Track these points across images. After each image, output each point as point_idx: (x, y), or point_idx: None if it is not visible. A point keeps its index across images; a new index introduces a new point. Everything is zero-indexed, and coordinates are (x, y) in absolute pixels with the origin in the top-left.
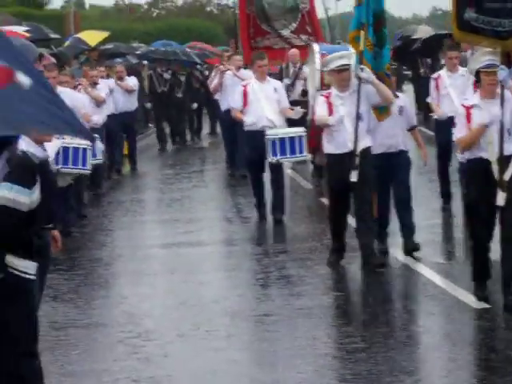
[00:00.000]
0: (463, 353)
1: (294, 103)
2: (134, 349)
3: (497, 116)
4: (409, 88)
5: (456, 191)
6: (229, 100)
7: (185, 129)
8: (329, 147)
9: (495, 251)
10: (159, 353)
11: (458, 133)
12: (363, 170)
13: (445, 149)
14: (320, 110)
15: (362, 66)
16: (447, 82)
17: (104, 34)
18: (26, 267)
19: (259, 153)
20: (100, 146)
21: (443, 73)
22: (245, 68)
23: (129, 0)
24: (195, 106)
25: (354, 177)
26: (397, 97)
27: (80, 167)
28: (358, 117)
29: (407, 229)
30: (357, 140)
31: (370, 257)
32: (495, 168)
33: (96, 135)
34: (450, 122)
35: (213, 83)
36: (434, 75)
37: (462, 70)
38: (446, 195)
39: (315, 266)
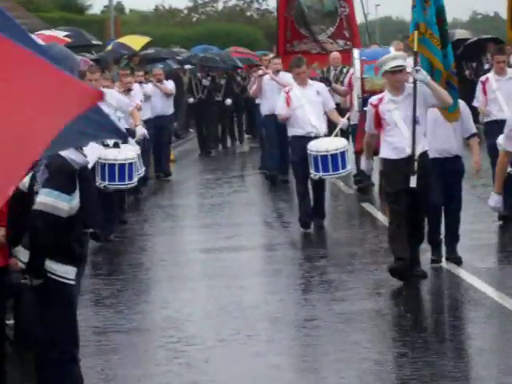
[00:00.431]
0: (506, 359)
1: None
2: (175, 354)
3: None
4: None
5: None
6: (269, 105)
7: (225, 133)
8: (385, 152)
9: None
10: (200, 358)
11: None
12: (422, 176)
13: (496, 154)
14: (366, 125)
15: (417, 68)
16: (495, 86)
17: (146, 39)
18: (66, 272)
19: (305, 158)
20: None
21: (491, 76)
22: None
23: (169, 5)
24: (229, 101)
25: (413, 182)
26: None
27: (126, 183)
28: (415, 120)
29: (451, 238)
30: (414, 144)
31: (414, 268)
32: None
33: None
34: (499, 127)
35: (252, 88)
36: (482, 78)
37: (510, 73)
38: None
39: (356, 271)
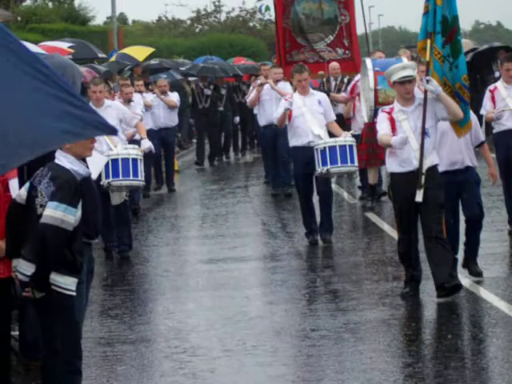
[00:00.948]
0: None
1: (337, 117)
2: (180, 364)
3: None
4: None
5: None
6: (266, 116)
7: (228, 143)
8: (392, 165)
9: None
10: (205, 368)
11: None
12: (430, 190)
13: (506, 165)
14: (382, 128)
15: (427, 78)
16: (504, 94)
17: (150, 50)
18: (67, 284)
19: (306, 169)
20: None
21: (500, 84)
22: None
23: (172, 16)
24: (237, 119)
25: (419, 197)
26: None
27: (131, 178)
28: (424, 132)
29: (472, 244)
30: (422, 157)
31: (444, 283)
32: None
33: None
34: (508, 137)
35: (250, 97)
36: (490, 87)
37: None
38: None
39: (361, 281)
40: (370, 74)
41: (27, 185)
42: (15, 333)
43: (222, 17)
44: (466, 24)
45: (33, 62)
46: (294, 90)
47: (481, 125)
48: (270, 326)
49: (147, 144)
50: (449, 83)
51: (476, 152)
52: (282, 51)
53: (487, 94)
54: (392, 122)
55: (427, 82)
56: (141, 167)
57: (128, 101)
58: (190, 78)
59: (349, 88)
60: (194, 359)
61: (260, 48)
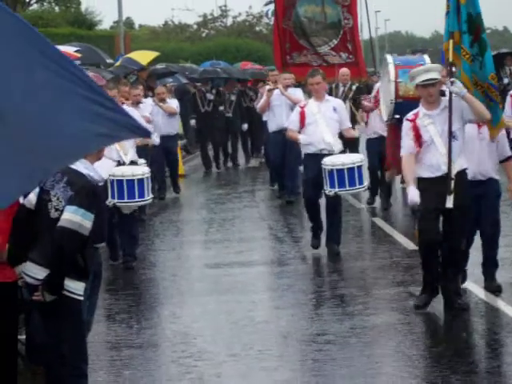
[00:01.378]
0: None
1: None
2: (187, 369)
3: None
4: None
5: None
6: (276, 122)
7: (236, 149)
8: (420, 170)
9: None
10: (212, 373)
11: None
12: (460, 195)
13: None
14: (405, 146)
15: (452, 79)
16: None
17: (154, 54)
18: (77, 289)
19: (316, 177)
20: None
21: None
22: (296, 86)
23: (178, 20)
24: (246, 127)
25: (449, 203)
26: None
27: (137, 200)
28: (452, 136)
29: (490, 266)
30: (451, 161)
31: (453, 299)
32: None
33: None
34: None
35: (260, 103)
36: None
37: None
38: None
39: (367, 286)
40: (391, 67)
41: (37, 190)
42: (22, 337)
43: (229, 21)
44: None
45: (67, 65)
46: (309, 95)
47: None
48: (277, 331)
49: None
50: (480, 83)
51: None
52: (283, 52)
53: (508, 99)
54: (416, 131)
55: (451, 83)
56: (147, 185)
57: (137, 103)
58: (198, 84)
59: (373, 94)
60: (201, 363)
61: (266, 53)
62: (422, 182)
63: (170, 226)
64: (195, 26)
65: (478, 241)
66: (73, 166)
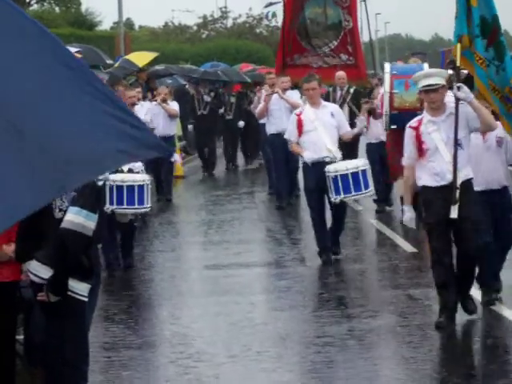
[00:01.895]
0: None
1: None
2: (185, 369)
3: None
4: None
5: None
6: (276, 124)
7: (235, 152)
8: (423, 179)
9: None
10: (210, 374)
11: None
12: (464, 205)
13: None
14: (406, 153)
15: (458, 84)
16: None
17: (153, 55)
18: (81, 289)
19: (319, 185)
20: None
21: None
22: (293, 88)
23: (178, 21)
24: (241, 124)
25: (453, 213)
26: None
27: (136, 206)
28: (457, 143)
29: (495, 278)
30: (456, 170)
31: (466, 303)
32: None
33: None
34: None
35: (258, 108)
36: None
37: None
38: None
39: (366, 288)
40: (387, 77)
41: None
42: (20, 337)
43: (229, 23)
44: None
45: (91, 79)
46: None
47: None
48: (275, 332)
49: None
50: (498, 88)
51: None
52: (284, 53)
53: None
54: (418, 139)
55: (458, 88)
56: (147, 192)
57: (132, 104)
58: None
59: (379, 98)
60: (199, 365)
61: (266, 54)
62: (426, 191)
63: (168, 227)
64: (195, 28)
65: None
66: None
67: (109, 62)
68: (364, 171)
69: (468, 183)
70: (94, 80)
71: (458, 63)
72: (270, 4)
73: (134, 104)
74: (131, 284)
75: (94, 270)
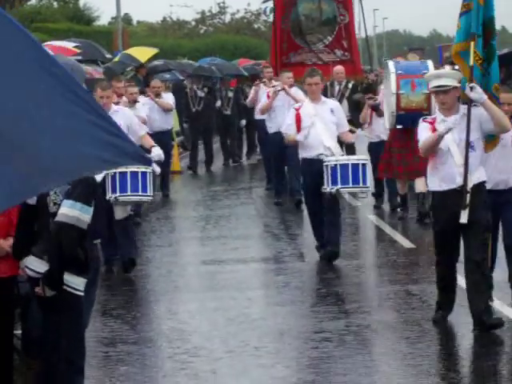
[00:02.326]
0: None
1: None
2: (182, 365)
3: None
4: None
5: None
6: (278, 122)
7: (234, 147)
8: (433, 182)
9: None
10: (208, 369)
11: None
12: (475, 210)
13: None
14: (423, 136)
15: (471, 85)
16: None
17: (154, 51)
18: (77, 284)
19: (317, 183)
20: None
21: None
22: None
23: (177, 16)
24: (244, 123)
25: (463, 218)
26: None
27: (140, 194)
28: (469, 146)
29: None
30: (467, 173)
31: (482, 316)
32: None
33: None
34: None
35: (262, 104)
36: None
37: None
38: None
39: (363, 284)
40: (392, 77)
41: None
42: (18, 332)
43: (227, 18)
44: None
45: (73, 86)
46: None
47: None
48: (273, 328)
49: (158, 152)
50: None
51: None
52: (279, 52)
53: None
54: (434, 132)
55: (471, 89)
56: (150, 181)
57: (133, 101)
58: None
59: (380, 95)
60: (197, 360)
61: (264, 50)
62: (435, 196)
63: (166, 223)
64: (193, 23)
65: None
66: None
67: (108, 56)
68: (364, 165)
69: (480, 186)
70: (75, 87)
71: (471, 62)
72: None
73: (135, 101)
74: (129, 279)
75: (89, 264)
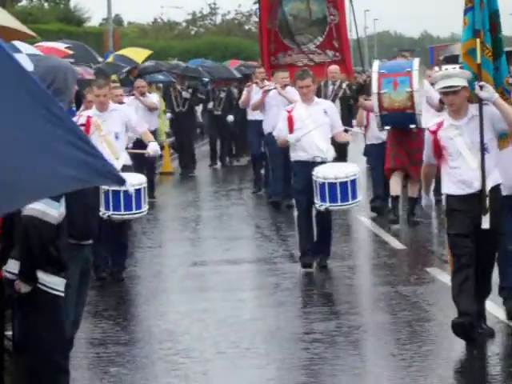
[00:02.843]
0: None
1: None
2: (173, 366)
3: None
4: None
5: None
6: (273, 122)
7: (225, 148)
8: (449, 187)
9: None
10: (198, 370)
11: None
12: (493, 215)
13: None
14: (426, 156)
15: (481, 83)
16: None
17: (148, 52)
18: (54, 283)
19: (309, 186)
20: (131, 189)
21: None
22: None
23: (167, 18)
24: (231, 118)
25: (485, 223)
26: None
27: (134, 212)
28: (484, 148)
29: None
30: (485, 177)
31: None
32: None
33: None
34: None
35: (254, 100)
36: None
37: None
38: None
39: (354, 285)
40: (374, 76)
41: None
42: (9, 333)
43: (218, 19)
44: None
45: (46, 102)
46: None
47: None
48: (264, 329)
49: (155, 148)
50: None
51: None
52: (266, 53)
53: None
54: (436, 144)
55: (481, 88)
56: (144, 196)
57: (119, 103)
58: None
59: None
60: (187, 361)
61: (255, 51)
62: (450, 200)
63: (157, 224)
64: (184, 24)
65: None
66: None
67: (100, 60)
68: (353, 181)
69: (496, 189)
70: (49, 103)
71: (478, 60)
72: (258, 1)
73: (120, 102)
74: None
75: (65, 263)
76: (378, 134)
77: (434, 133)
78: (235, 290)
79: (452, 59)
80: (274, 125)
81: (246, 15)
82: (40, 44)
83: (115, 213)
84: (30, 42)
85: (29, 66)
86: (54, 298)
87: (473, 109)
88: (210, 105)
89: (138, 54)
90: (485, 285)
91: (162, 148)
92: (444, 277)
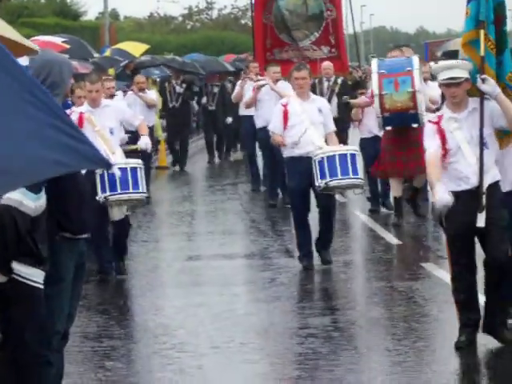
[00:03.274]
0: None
1: None
2: (168, 360)
3: None
4: None
5: None
6: (265, 117)
7: (221, 143)
8: (446, 184)
9: None
10: (193, 364)
11: None
12: (492, 210)
13: None
14: (430, 147)
15: (483, 76)
16: None
17: (145, 46)
18: (32, 275)
19: (305, 183)
20: (118, 173)
21: None
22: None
23: (164, 12)
24: (229, 120)
25: (480, 221)
26: None
27: (131, 191)
28: (483, 143)
29: None
30: (482, 173)
31: (497, 330)
32: None
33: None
34: None
35: (246, 97)
36: None
37: None
38: None
39: (350, 280)
40: (374, 77)
41: None
42: None
43: (214, 14)
44: (458, 26)
45: (32, 87)
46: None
47: None
48: (258, 324)
49: (145, 140)
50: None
51: None
52: (262, 49)
53: None
54: (442, 134)
55: (483, 81)
56: (141, 176)
57: (110, 96)
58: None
59: (369, 91)
60: (182, 355)
61: (251, 45)
62: None
63: (152, 218)
64: (180, 18)
65: None
66: None
67: (96, 55)
68: (353, 155)
69: (495, 186)
70: (35, 89)
71: (482, 52)
72: None
73: (112, 95)
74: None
75: (42, 255)
76: (371, 128)
77: (438, 123)
78: (230, 285)
79: (451, 55)
80: (267, 119)
81: (243, 10)
82: (36, 38)
83: (112, 193)
84: (27, 35)
85: (24, 59)
86: (33, 289)
87: (472, 102)
88: (204, 100)
89: (136, 48)
90: (499, 283)
91: (158, 143)
92: (440, 272)
